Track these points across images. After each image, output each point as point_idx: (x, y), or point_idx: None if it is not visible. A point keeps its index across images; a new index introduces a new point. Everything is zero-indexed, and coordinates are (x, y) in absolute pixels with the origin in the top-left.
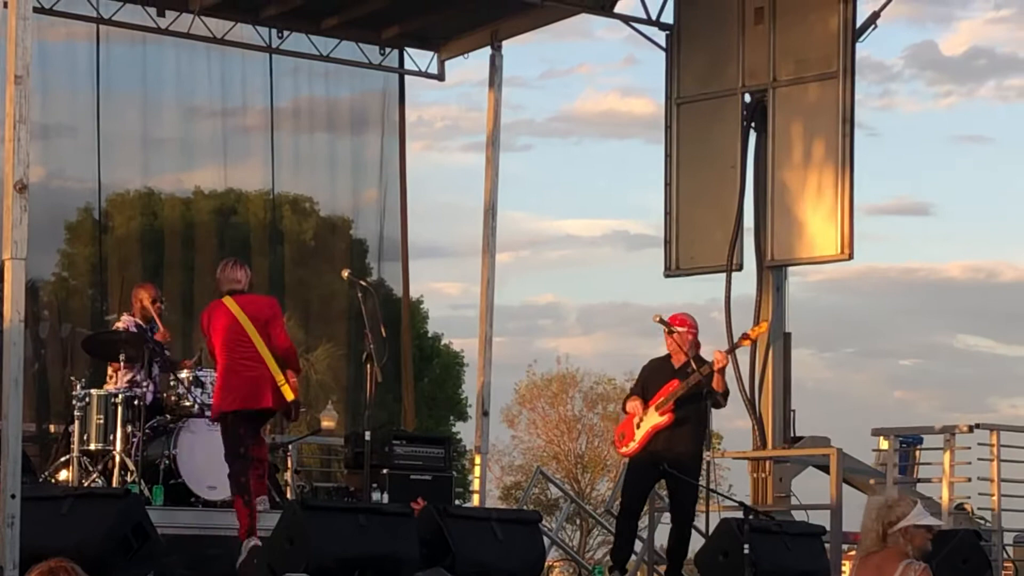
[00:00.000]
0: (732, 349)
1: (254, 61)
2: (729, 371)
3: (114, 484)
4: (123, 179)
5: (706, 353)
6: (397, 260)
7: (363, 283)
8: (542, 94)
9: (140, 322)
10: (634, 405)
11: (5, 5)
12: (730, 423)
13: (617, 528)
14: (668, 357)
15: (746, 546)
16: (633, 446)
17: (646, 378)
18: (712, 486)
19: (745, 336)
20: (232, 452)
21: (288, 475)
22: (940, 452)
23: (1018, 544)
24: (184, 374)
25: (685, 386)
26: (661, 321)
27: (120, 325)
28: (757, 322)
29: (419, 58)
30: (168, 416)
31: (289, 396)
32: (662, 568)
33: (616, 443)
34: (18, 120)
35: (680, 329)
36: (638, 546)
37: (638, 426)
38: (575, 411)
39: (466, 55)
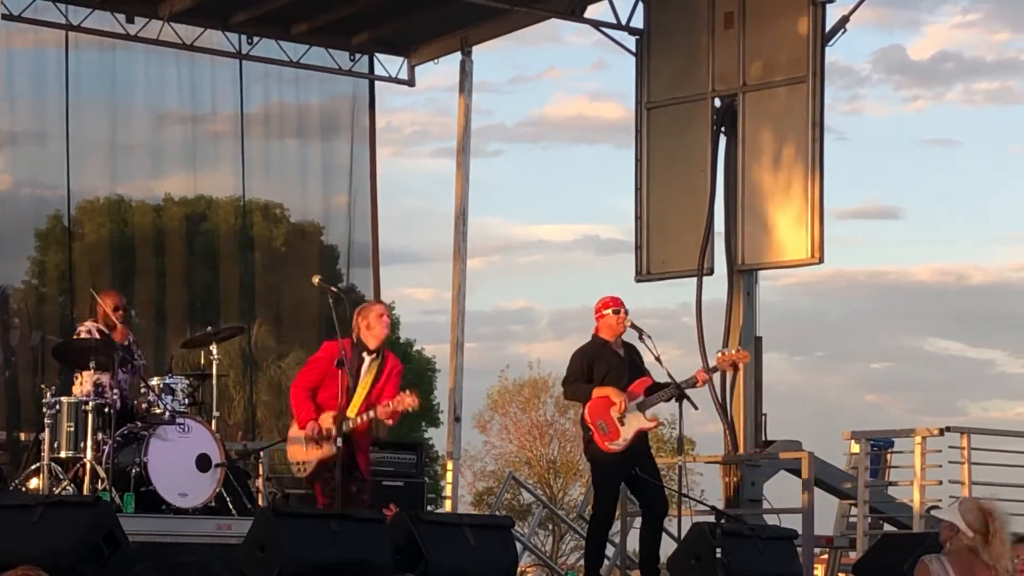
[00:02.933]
0: (715, 370)
1: (224, 67)
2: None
3: (85, 492)
4: (93, 186)
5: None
6: (368, 266)
7: (334, 289)
8: (512, 99)
9: (103, 328)
10: (621, 399)
11: None
12: (701, 427)
13: (594, 538)
14: (606, 342)
15: (718, 550)
16: (621, 444)
17: (592, 363)
18: (684, 490)
19: (733, 365)
20: None
21: (260, 482)
22: (911, 455)
23: None
24: (155, 381)
25: (667, 395)
26: (634, 326)
27: (82, 332)
28: (728, 327)
29: (389, 64)
30: (139, 423)
31: None
32: (635, 573)
33: (596, 435)
34: None
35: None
36: (609, 551)
37: (622, 422)
38: (547, 416)
39: (436, 60)
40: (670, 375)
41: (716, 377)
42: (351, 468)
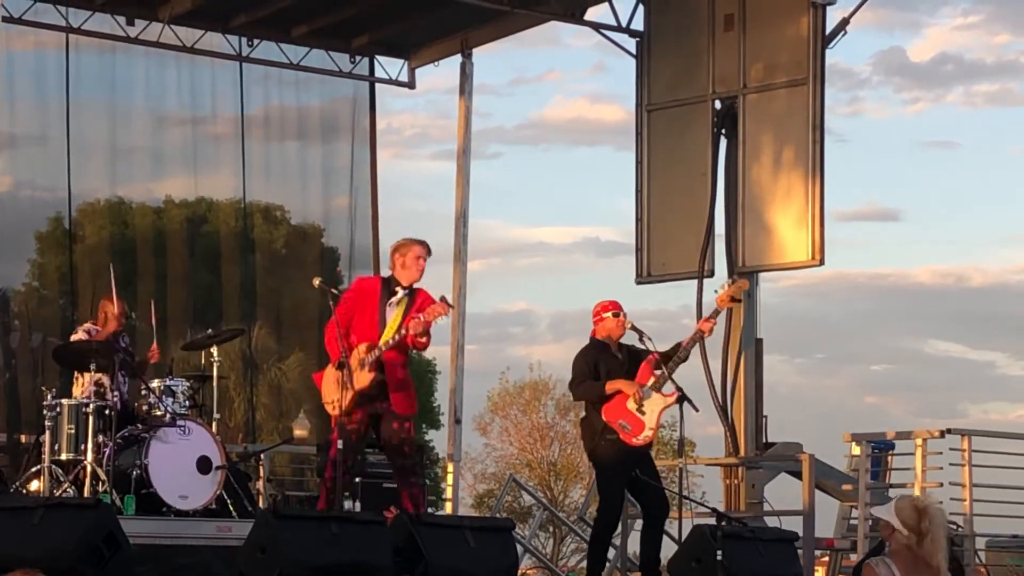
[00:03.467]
0: (717, 313)
1: (224, 69)
2: (700, 377)
3: (85, 494)
4: (93, 188)
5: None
6: (368, 268)
7: (334, 291)
8: (511, 101)
9: (99, 330)
10: (635, 389)
11: None
12: (702, 430)
13: (598, 542)
14: (606, 345)
15: (719, 552)
16: (649, 434)
17: (596, 363)
18: (685, 492)
19: (734, 299)
20: None
21: (260, 484)
22: (912, 457)
23: (990, 549)
24: (155, 383)
25: (680, 356)
26: (634, 328)
27: (80, 335)
28: (729, 328)
29: (389, 66)
30: (139, 425)
31: None
32: (636, 575)
33: (622, 435)
34: None
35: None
36: (610, 554)
37: (642, 412)
38: (548, 418)
39: (436, 63)
40: (665, 367)
41: (717, 379)
42: (386, 407)
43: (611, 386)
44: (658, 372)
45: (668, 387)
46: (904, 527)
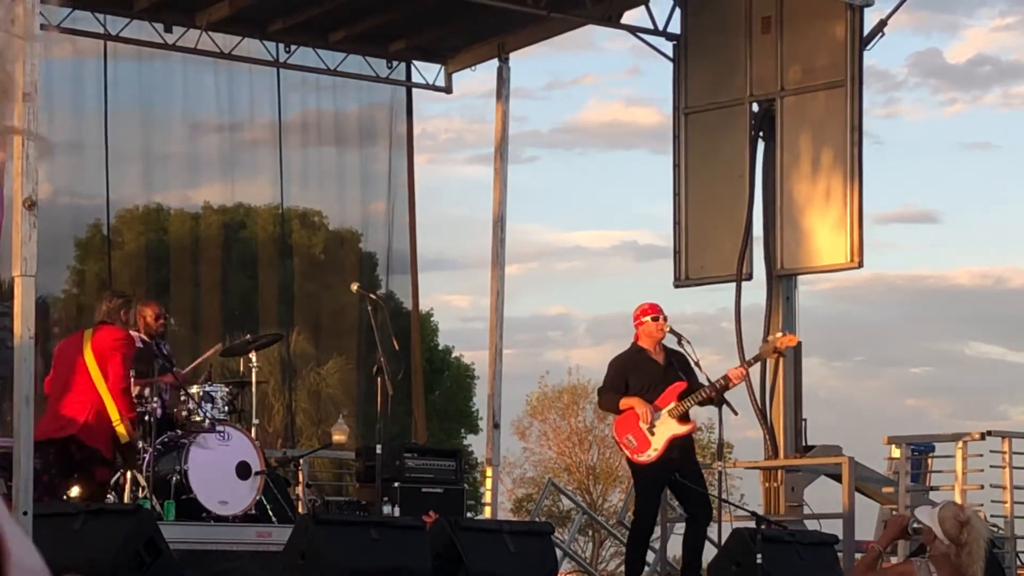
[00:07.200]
0: (758, 358)
1: (261, 75)
2: None
3: (126, 500)
4: (131, 195)
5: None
6: (406, 273)
7: (372, 296)
8: (547, 105)
9: (144, 338)
10: (645, 410)
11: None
12: (741, 433)
13: (634, 545)
14: (643, 350)
15: (759, 556)
16: (653, 454)
17: (628, 373)
18: (724, 496)
19: (776, 351)
20: None
21: (299, 489)
22: (952, 460)
23: None
24: (194, 389)
25: (700, 396)
26: (673, 331)
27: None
28: (767, 331)
29: (426, 71)
30: (179, 431)
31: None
32: None
33: (626, 449)
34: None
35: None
36: (649, 557)
37: (652, 432)
38: (586, 422)
39: (473, 67)
40: (708, 379)
41: (756, 382)
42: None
43: (625, 403)
44: (675, 404)
45: (686, 418)
46: (945, 536)
